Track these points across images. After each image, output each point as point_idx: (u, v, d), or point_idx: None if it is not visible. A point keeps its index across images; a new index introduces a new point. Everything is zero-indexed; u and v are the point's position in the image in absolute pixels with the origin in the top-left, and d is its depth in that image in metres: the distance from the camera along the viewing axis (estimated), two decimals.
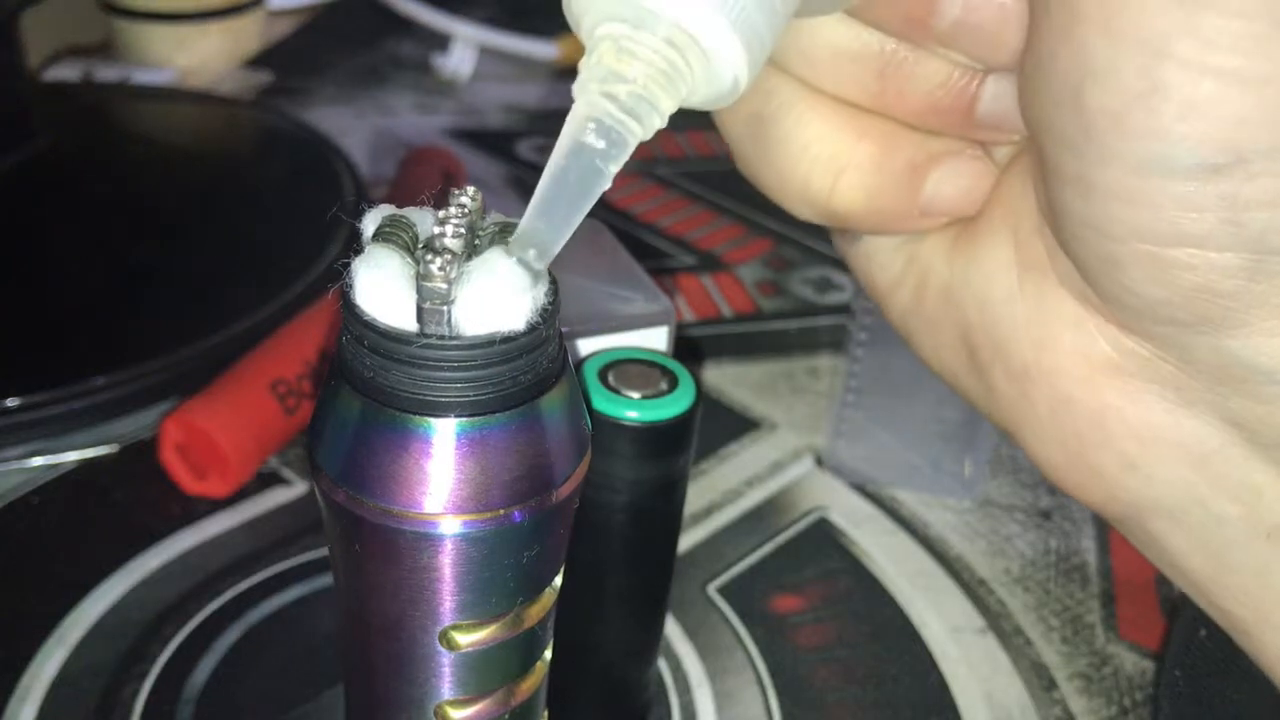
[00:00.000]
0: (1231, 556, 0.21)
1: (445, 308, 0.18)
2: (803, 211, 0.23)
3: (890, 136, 0.22)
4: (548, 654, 0.22)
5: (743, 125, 0.23)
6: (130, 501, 0.42)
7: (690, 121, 0.81)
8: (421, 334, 0.18)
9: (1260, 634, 0.22)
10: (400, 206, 0.19)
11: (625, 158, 0.18)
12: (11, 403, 0.43)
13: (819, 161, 0.22)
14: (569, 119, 0.18)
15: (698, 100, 0.18)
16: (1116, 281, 0.19)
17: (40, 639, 0.37)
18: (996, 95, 0.21)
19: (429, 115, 0.72)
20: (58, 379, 0.44)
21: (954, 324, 0.23)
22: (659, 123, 0.18)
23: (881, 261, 0.25)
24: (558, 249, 0.18)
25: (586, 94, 0.18)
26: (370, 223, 0.19)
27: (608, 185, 0.18)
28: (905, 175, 0.22)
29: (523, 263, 0.18)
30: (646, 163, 0.69)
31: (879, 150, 0.22)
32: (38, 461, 0.43)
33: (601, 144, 0.17)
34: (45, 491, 0.42)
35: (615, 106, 0.17)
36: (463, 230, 0.18)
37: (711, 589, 0.41)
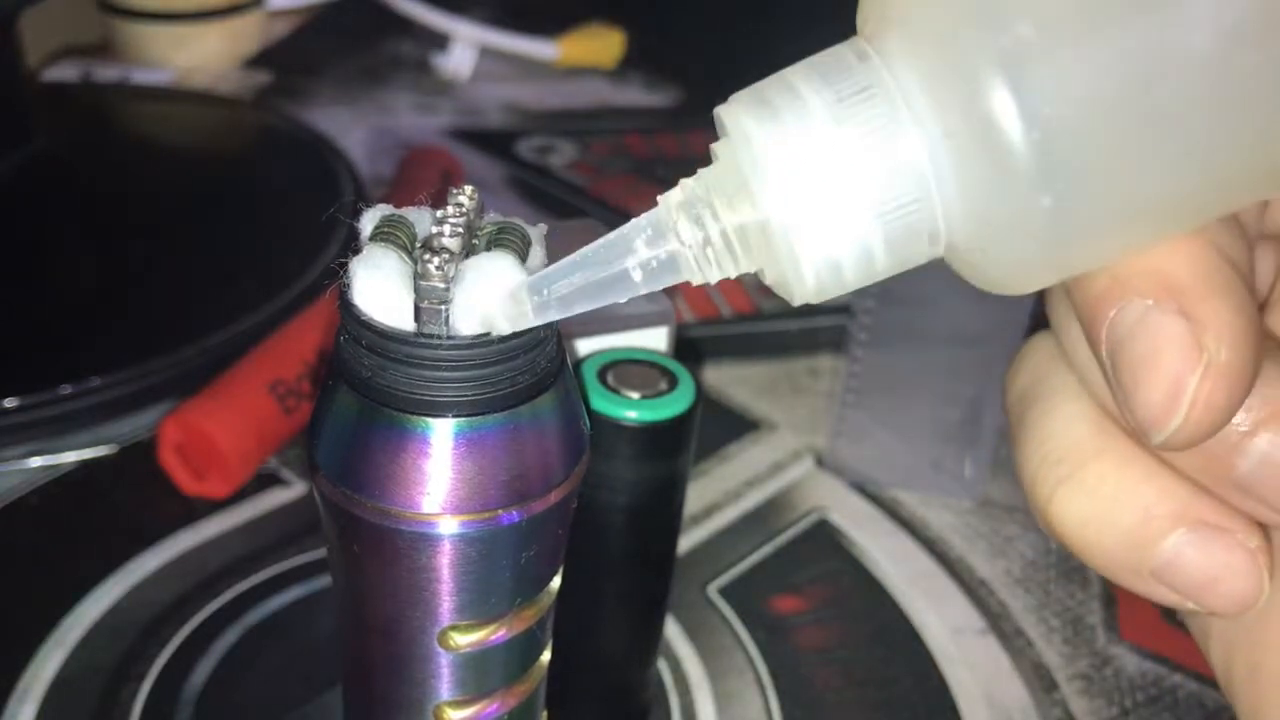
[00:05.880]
0: None
1: (443, 307, 0.18)
2: (1036, 515, 0.21)
3: (1135, 465, 0.19)
4: (547, 655, 0.22)
5: (1015, 400, 0.21)
6: (129, 502, 0.42)
7: (689, 122, 0.80)
8: (419, 333, 0.18)
9: None
10: (398, 206, 0.19)
11: (665, 283, 0.18)
12: (10, 403, 0.43)
13: (1047, 462, 0.20)
14: (649, 213, 0.18)
15: (769, 280, 0.18)
16: None
17: (39, 639, 0.37)
18: (1268, 458, 0.18)
19: (428, 115, 0.72)
20: (57, 379, 0.44)
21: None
22: (716, 274, 0.18)
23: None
24: (539, 318, 0.18)
25: (673, 204, 0.17)
26: (368, 222, 0.19)
27: (629, 296, 0.18)
28: (1137, 520, 0.19)
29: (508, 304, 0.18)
30: (646, 163, 0.69)
31: (1113, 475, 0.19)
32: (37, 462, 0.43)
33: (650, 254, 0.18)
34: (45, 492, 0.42)
35: (695, 235, 0.17)
36: (461, 230, 0.18)
37: (711, 590, 0.41)
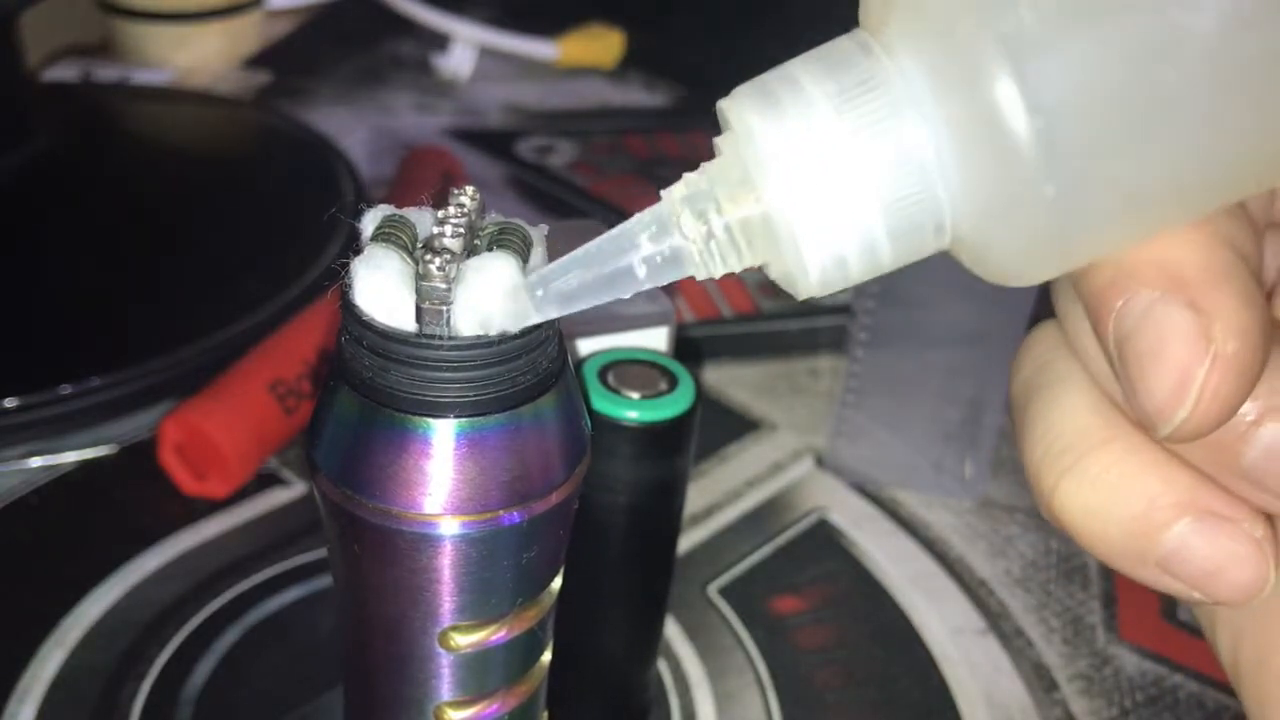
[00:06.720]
0: None
1: (444, 308, 0.18)
2: (1040, 505, 0.20)
3: (1139, 454, 0.19)
4: (547, 655, 0.22)
5: (1019, 388, 0.21)
6: (129, 502, 0.42)
7: (689, 122, 0.79)
8: (421, 334, 0.18)
9: None
10: (399, 206, 0.19)
11: (669, 278, 0.18)
12: (10, 403, 0.43)
13: (1051, 452, 0.19)
14: (652, 209, 0.18)
15: (773, 274, 0.18)
16: None
17: (39, 639, 0.37)
18: (1273, 447, 0.18)
19: (429, 115, 0.72)
20: (57, 379, 0.44)
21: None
22: (721, 269, 0.18)
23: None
24: (540, 315, 0.18)
25: (677, 198, 0.17)
26: (369, 223, 0.19)
27: (632, 292, 0.18)
28: (1142, 509, 0.19)
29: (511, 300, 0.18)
30: (646, 164, 0.69)
31: (1118, 465, 0.19)
32: (37, 462, 0.43)
33: (654, 249, 0.17)
34: (45, 492, 0.42)
35: (699, 229, 0.17)
36: (462, 230, 0.18)
37: (711, 590, 0.41)
